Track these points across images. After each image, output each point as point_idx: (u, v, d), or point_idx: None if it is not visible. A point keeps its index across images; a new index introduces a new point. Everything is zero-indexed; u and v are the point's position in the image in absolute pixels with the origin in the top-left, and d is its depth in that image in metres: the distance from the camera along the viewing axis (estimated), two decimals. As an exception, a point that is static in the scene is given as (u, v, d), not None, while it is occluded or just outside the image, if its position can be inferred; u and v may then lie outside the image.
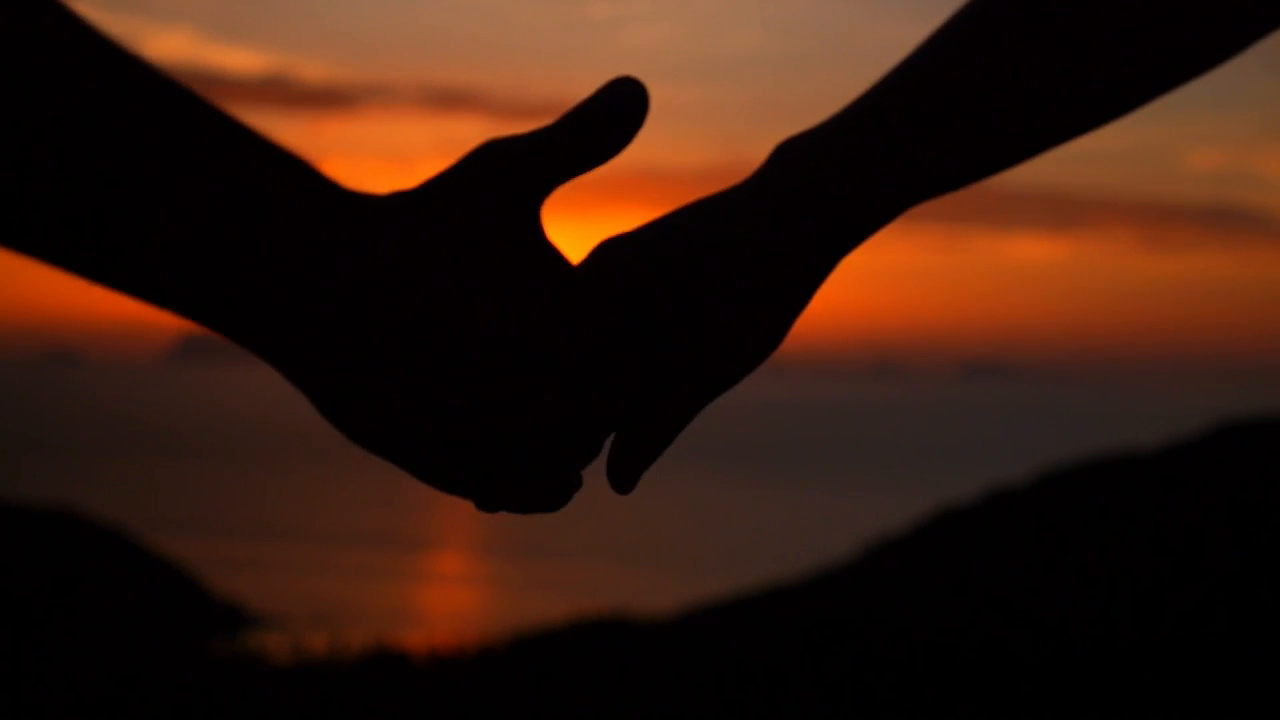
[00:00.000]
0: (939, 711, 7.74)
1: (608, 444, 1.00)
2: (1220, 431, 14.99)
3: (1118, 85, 0.95)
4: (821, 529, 36.15)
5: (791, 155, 0.96)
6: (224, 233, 0.79)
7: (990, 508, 14.00)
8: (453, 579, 32.52)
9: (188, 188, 0.78)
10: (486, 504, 0.92)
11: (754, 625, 10.93)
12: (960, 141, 0.95)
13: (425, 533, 38.83)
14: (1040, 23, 0.93)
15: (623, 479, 1.00)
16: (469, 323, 0.85)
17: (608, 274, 0.94)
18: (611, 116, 0.88)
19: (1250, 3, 0.94)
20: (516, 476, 0.90)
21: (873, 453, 79.14)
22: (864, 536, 14.35)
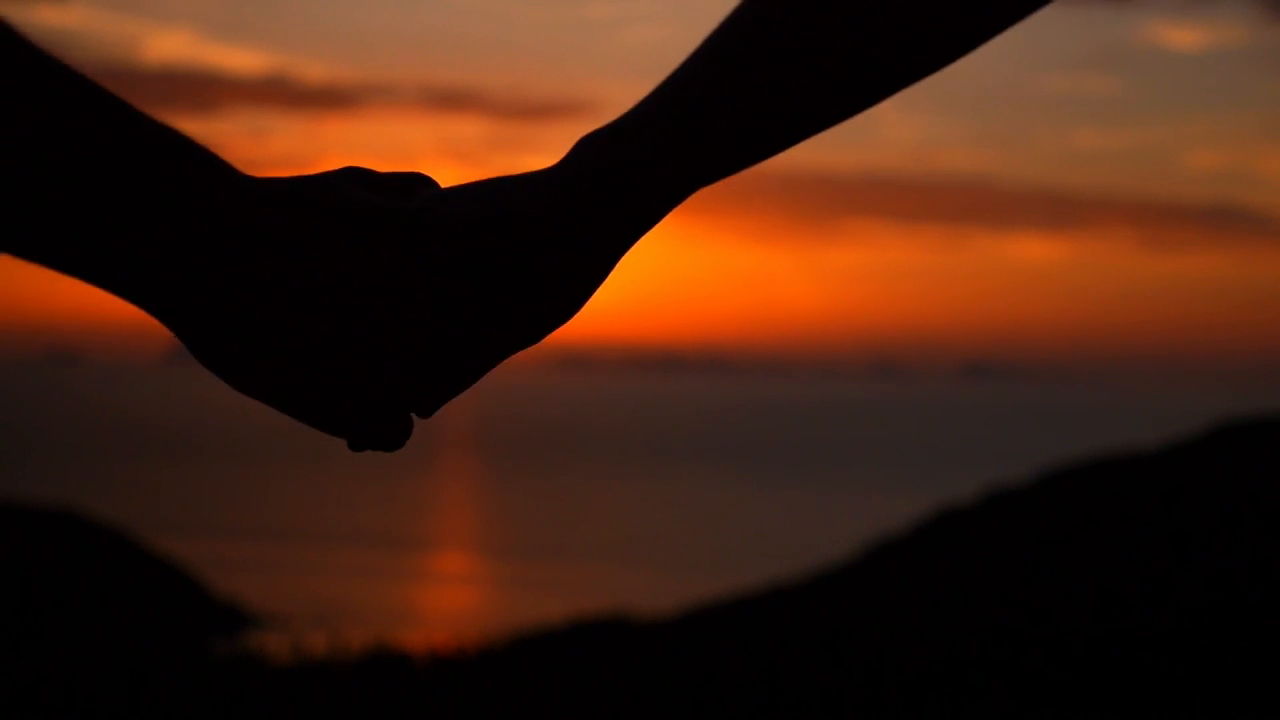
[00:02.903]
0: (939, 711, 7.74)
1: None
2: (1220, 431, 14.99)
3: (904, 51, 1.04)
4: (821, 529, 36.15)
5: (588, 146, 1.06)
6: (125, 214, 0.94)
7: (990, 508, 14.01)
8: (453, 579, 32.52)
9: (92, 171, 0.92)
10: (353, 439, 1.07)
11: (754, 625, 10.93)
12: (738, 127, 1.04)
13: (425, 533, 38.84)
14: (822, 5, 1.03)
15: (426, 409, 1.09)
16: (329, 290, 1.02)
17: (431, 237, 1.05)
18: None
19: None
20: (368, 412, 1.05)
21: (873, 453, 79.14)
22: (864, 536, 14.36)
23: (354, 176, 1.06)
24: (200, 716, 8.47)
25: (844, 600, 11.28)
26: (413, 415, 1.09)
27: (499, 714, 8.39)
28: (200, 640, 17.99)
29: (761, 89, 1.04)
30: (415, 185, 1.08)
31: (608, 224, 1.06)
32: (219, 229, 0.97)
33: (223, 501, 44.18)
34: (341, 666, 10.40)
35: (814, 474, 62.80)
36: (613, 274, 1.11)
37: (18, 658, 11.93)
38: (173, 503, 42.34)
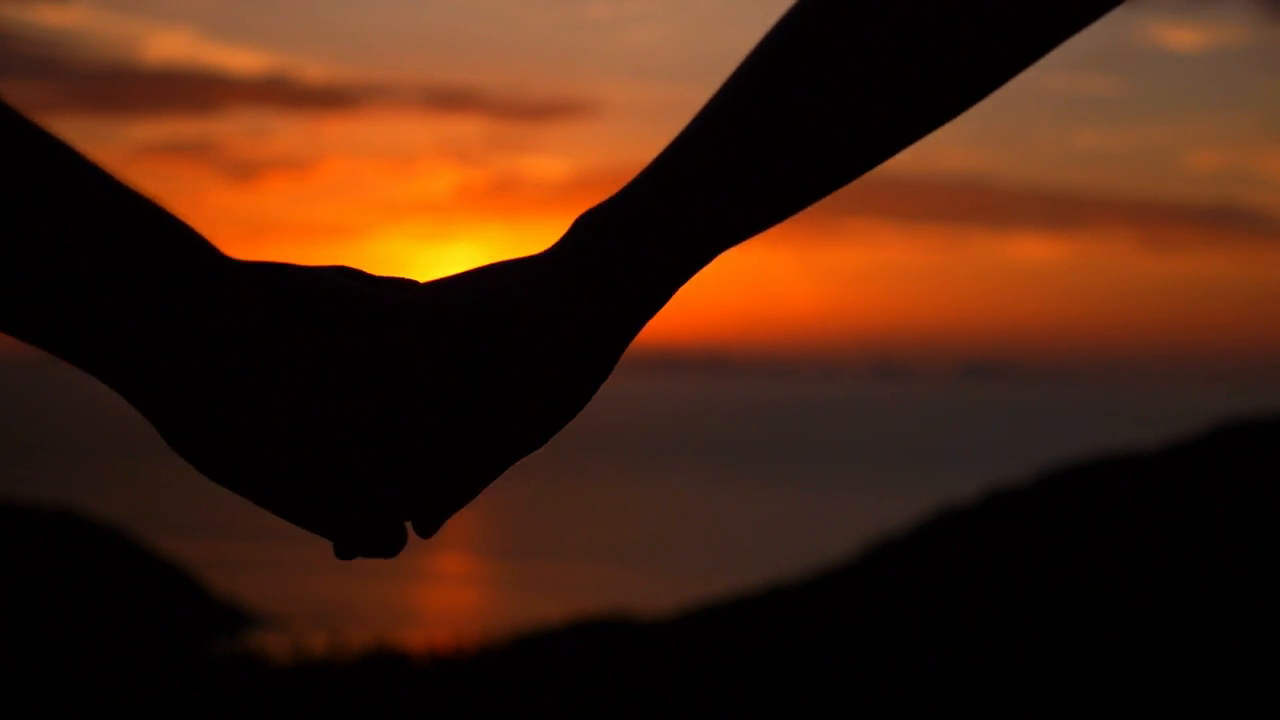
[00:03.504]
0: (939, 711, 7.74)
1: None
2: (1220, 431, 14.99)
3: (925, 102, 0.95)
4: (821, 529, 36.15)
5: (584, 226, 0.98)
6: (104, 287, 0.89)
7: (990, 508, 14.01)
8: (453, 579, 32.52)
9: (71, 244, 0.87)
10: (339, 543, 0.99)
11: (754, 625, 10.93)
12: (752, 192, 0.96)
13: (425, 533, 38.79)
14: (834, 56, 0.94)
15: (426, 527, 1.01)
16: (318, 382, 0.95)
17: (424, 329, 0.97)
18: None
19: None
20: (356, 516, 0.98)
21: (873, 453, 79.15)
22: (864, 536, 14.36)
23: (346, 272, 0.99)
24: (200, 716, 8.47)
25: (844, 600, 11.28)
26: (411, 530, 1.01)
27: (499, 714, 8.39)
28: (200, 640, 18.00)
29: (777, 146, 0.96)
30: (409, 286, 1.01)
31: (610, 312, 0.98)
32: (199, 311, 0.91)
33: (223, 501, 44.09)
34: (341, 666, 10.40)
35: (814, 474, 62.80)
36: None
37: (18, 658, 11.93)
38: (173, 503, 42.34)
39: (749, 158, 0.95)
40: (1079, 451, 15.29)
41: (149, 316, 0.90)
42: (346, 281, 0.97)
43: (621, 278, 0.97)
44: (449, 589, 30.97)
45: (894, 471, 63.10)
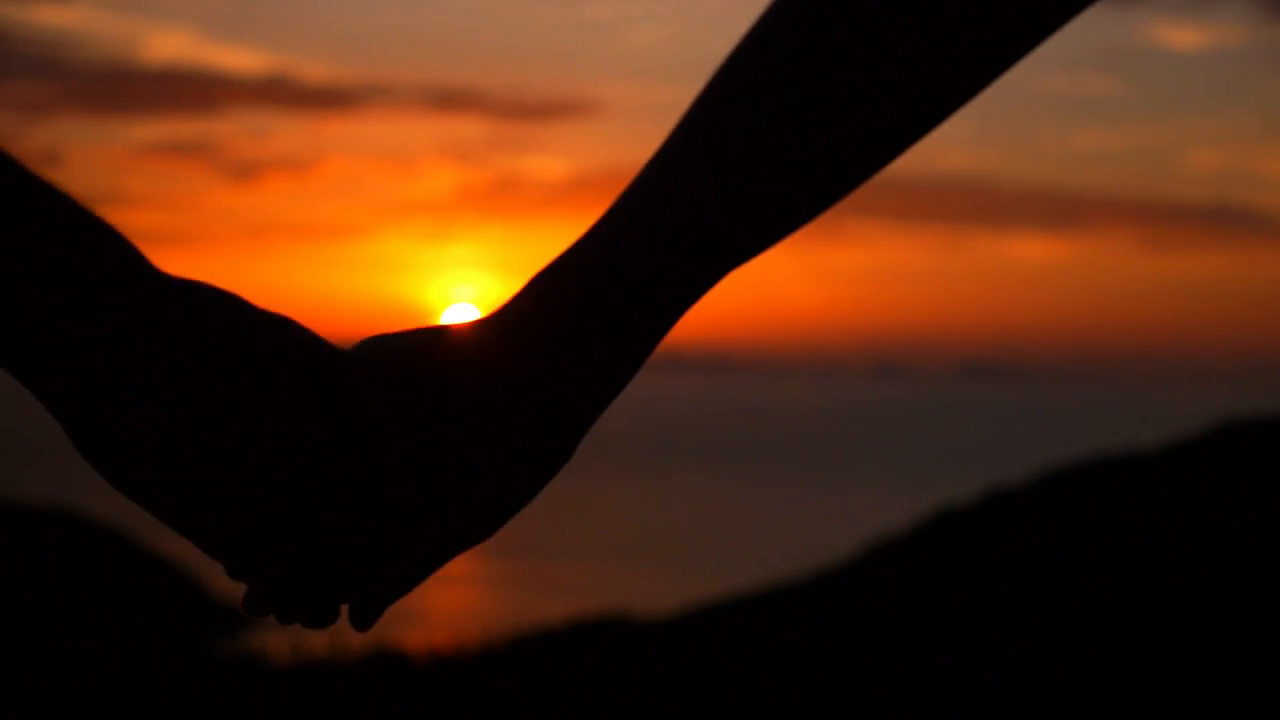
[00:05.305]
0: (939, 711, 7.74)
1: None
2: (1220, 431, 14.99)
3: (909, 118, 0.86)
4: (821, 529, 36.15)
5: (540, 286, 0.86)
6: (27, 293, 0.80)
7: (990, 508, 14.01)
8: (453, 579, 32.54)
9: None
10: (252, 594, 0.90)
11: (754, 625, 10.93)
12: (731, 215, 0.85)
13: (425, 533, 38.81)
14: (807, 79, 0.84)
15: (360, 621, 0.93)
16: (231, 415, 0.84)
17: (358, 382, 0.85)
18: None
19: None
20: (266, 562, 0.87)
21: (873, 453, 79.17)
22: (864, 536, 14.36)
23: (284, 320, 0.87)
24: (200, 716, 8.47)
25: (844, 600, 11.28)
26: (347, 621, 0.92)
27: (499, 714, 8.39)
28: (200, 640, 18.00)
29: (754, 169, 0.85)
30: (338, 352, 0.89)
31: (567, 385, 0.84)
32: (119, 317, 0.81)
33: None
34: (341, 666, 10.40)
35: (814, 474, 62.82)
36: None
37: (18, 658, 11.93)
38: (173, 503, 42.32)
39: (725, 175, 0.84)
40: (1079, 451, 15.29)
41: (66, 317, 0.81)
42: (279, 321, 0.85)
43: (572, 337, 0.84)
44: (449, 589, 30.97)
45: (894, 471, 63.11)
